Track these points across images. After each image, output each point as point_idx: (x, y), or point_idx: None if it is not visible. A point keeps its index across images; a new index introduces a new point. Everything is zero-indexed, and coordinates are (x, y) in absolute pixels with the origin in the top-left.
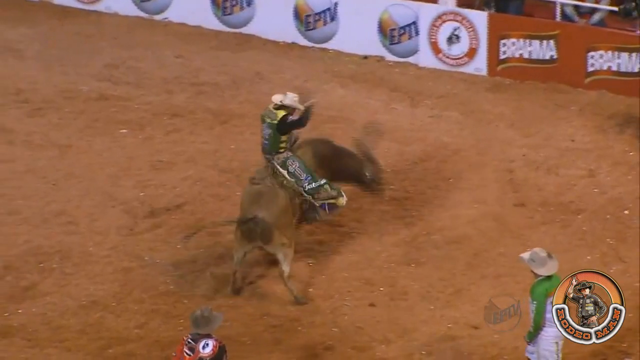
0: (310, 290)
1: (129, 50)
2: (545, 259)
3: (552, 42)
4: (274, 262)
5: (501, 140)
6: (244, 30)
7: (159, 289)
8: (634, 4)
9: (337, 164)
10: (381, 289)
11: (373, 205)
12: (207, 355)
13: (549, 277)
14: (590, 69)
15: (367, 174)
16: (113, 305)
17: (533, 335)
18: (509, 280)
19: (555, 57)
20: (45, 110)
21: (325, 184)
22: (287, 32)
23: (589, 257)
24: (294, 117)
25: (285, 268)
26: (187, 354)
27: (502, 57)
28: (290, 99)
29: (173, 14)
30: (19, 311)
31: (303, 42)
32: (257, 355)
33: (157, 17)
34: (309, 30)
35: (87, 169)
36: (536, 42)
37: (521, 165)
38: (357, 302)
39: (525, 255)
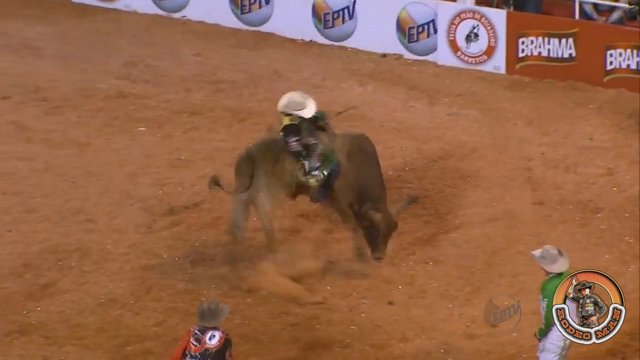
0: (328, 288)
1: (148, 48)
2: (556, 256)
3: (570, 40)
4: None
5: (519, 138)
6: (262, 28)
7: (177, 287)
8: (636, 6)
9: (363, 165)
10: (399, 287)
11: (392, 204)
12: (213, 346)
13: (559, 275)
14: (609, 67)
15: (367, 209)
16: (131, 303)
17: (544, 332)
18: (527, 278)
19: (573, 55)
20: (63, 108)
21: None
22: (306, 30)
23: (607, 256)
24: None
25: (267, 224)
26: (193, 344)
27: (521, 55)
28: (293, 102)
29: (191, 12)
30: (38, 309)
31: (321, 40)
32: (275, 353)
33: (176, 15)
34: (328, 28)
35: (106, 167)
36: (555, 40)
37: (539, 163)
38: (375, 301)
39: (537, 252)
